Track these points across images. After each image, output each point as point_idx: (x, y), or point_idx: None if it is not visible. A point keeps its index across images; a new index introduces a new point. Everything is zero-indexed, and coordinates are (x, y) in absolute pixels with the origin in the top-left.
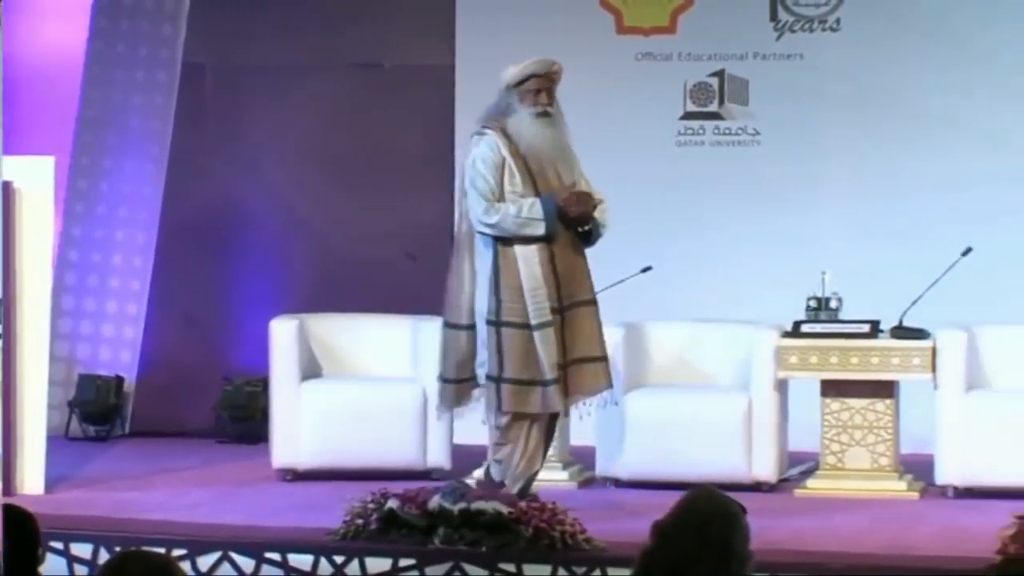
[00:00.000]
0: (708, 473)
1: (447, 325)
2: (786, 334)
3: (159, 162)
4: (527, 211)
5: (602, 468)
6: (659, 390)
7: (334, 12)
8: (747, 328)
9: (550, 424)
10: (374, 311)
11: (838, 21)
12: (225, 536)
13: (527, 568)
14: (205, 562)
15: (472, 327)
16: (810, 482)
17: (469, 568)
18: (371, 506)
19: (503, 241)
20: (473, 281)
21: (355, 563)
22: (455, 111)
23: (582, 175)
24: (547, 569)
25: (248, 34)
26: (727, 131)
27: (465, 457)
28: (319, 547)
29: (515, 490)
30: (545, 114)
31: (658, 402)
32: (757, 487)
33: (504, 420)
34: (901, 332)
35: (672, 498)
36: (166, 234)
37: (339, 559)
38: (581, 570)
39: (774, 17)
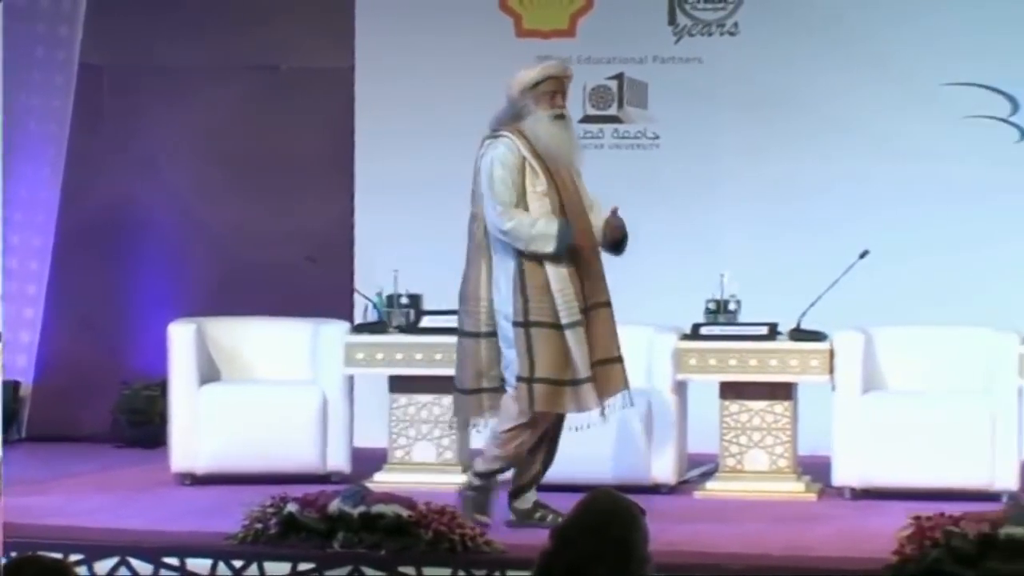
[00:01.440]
0: (608, 475)
1: (463, 334)
2: (685, 336)
3: (56, 165)
4: (542, 227)
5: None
6: None
7: (231, 14)
8: (646, 330)
9: (556, 428)
10: (273, 314)
11: (736, 25)
12: (123, 541)
13: (427, 571)
14: (103, 567)
15: (490, 335)
16: (709, 484)
17: (369, 571)
18: (270, 510)
19: None
20: (489, 287)
21: (254, 567)
22: (355, 113)
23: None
24: (447, 572)
25: (145, 36)
26: (626, 134)
27: (365, 461)
28: (218, 551)
29: (488, 467)
30: (561, 116)
31: None
32: (656, 489)
33: (525, 419)
34: (799, 334)
35: (572, 500)
36: (63, 237)
37: (238, 563)
38: (481, 573)
39: (672, 21)
